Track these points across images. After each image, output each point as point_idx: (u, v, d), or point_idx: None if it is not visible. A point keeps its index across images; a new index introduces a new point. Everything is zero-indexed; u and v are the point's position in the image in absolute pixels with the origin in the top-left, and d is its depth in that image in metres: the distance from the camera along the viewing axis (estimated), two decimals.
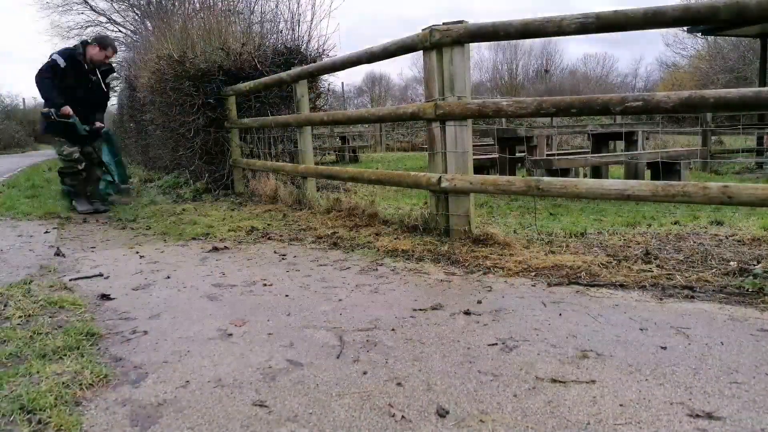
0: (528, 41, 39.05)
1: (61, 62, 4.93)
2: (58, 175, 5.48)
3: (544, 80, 40.28)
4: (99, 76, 5.28)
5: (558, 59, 44.82)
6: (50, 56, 5.01)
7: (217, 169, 6.14)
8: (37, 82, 4.89)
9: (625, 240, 3.09)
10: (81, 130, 5.10)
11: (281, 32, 6.40)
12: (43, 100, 5.08)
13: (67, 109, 4.96)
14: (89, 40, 5.32)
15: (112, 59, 5.52)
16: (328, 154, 11.44)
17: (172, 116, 6.43)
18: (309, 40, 6.16)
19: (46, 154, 22.96)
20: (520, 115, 3.02)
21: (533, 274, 2.54)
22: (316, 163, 5.12)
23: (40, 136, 5.86)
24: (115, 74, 6.02)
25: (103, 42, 5.24)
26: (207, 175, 6.19)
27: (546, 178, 2.81)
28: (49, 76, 4.92)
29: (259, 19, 6.98)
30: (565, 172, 5.72)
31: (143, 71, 8.69)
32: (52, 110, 4.92)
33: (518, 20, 2.77)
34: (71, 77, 5.03)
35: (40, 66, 4.96)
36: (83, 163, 5.31)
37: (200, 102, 5.88)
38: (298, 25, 6.21)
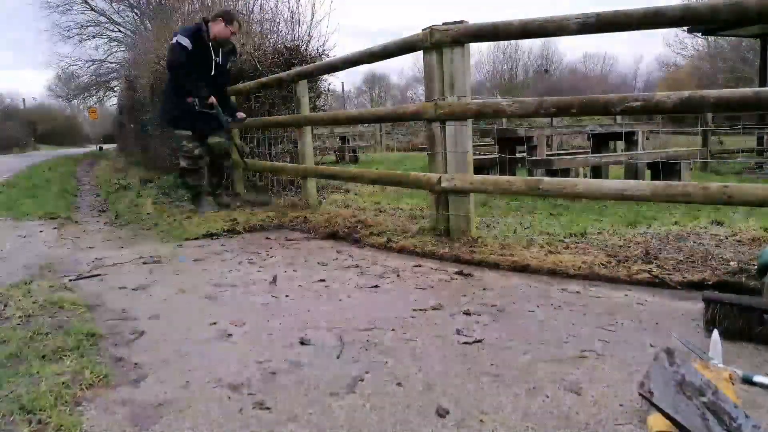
0: (528, 41, 39.10)
1: (187, 44, 4.38)
2: (180, 174, 4.95)
3: (544, 80, 40.30)
4: (221, 57, 4.68)
5: (558, 59, 44.89)
6: (174, 37, 4.50)
7: None
8: (173, 69, 4.48)
9: (625, 240, 3.08)
10: (224, 122, 4.66)
11: (281, 32, 6.40)
12: (171, 91, 4.62)
13: (213, 99, 4.50)
14: (210, 17, 4.66)
15: (237, 36, 4.90)
16: (328, 154, 11.43)
17: None
18: (309, 40, 6.16)
19: (46, 154, 22.99)
20: (520, 115, 3.02)
21: (533, 274, 2.54)
22: (316, 163, 5.12)
23: (167, 128, 5.51)
24: (235, 57, 5.14)
25: (228, 16, 4.60)
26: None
27: (546, 179, 2.81)
28: (183, 62, 4.40)
29: (259, 18, 6.97)
30: (565, 173, 5.72)
31: (143, 71, 8.70)
32: (196, 100, 4.45)
33: (518, 20, 2.77)
34: (196, 60, 4.47)
35: (167, 53, 4.55)
36: (203, 159, 4.76)
37: None
38: (298, 25, 6.21)
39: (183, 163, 4.73)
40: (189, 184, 4.84)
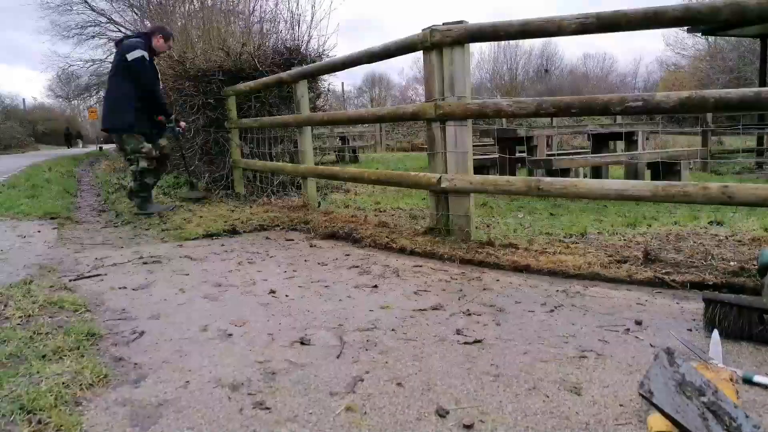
0: (528, 41, 39.10)
1: (148, 58, 4.66)
2: (139, 175, 4.85)
3: (544, 80, 40.31)
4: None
5: (558, 59, 44.87)
6: (136, 51, 4.56)
7: (217, 169, 6.14)
8: (149, 87, 4.63)
9: (625, 240, 3.09)
10: (176, 133, 5.15)
11: (281, 32, 6.41)
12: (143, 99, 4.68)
13: (183, 125, 5.16)
14: (150, 31, 4.99)
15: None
16: (328, 154, 11.44)
17: None
18: (309, 40, 6.17)
19: (46, 154, 22.98)
20: (520, 115, 3.02)
21: (533, 274, 2.54)
22: (316, 164, 5.12)
23: (117, 133, 4.88)
24: None
25: (166, 33, 4.92)
26: (207, 175, 6.19)
27: (546, 179, 2.81)
28: (157, 79, 4.81)
29: (259, 19, 6.98)
30: (565, 172, 5.72)
31: None
32: (172, 125, 4.96)
33: (518, 20, 2.77)
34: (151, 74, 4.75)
35: (136, 64, 4.55)
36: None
37: (200, 102, 5.88)
38: (298, 25, 6.22)
39: (144, 164, 4.83)
40: (149, 184, 4.95)
